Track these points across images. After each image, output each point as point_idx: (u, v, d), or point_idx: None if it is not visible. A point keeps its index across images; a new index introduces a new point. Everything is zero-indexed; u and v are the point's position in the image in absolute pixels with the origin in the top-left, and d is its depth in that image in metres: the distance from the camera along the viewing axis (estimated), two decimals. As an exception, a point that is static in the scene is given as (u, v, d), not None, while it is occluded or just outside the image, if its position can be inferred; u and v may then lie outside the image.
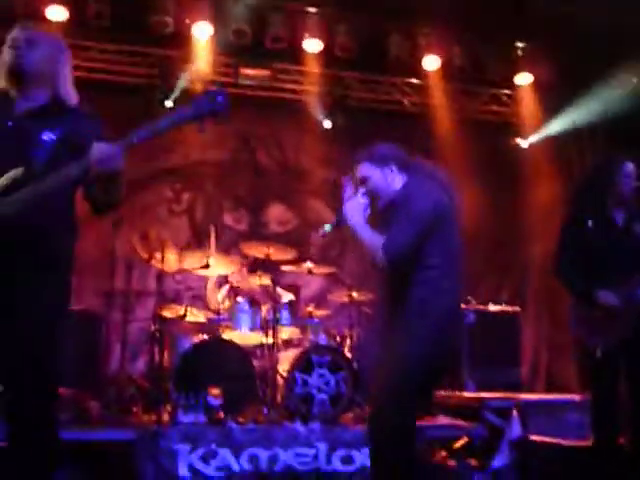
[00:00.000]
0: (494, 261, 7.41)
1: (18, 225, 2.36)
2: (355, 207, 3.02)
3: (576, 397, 5.74)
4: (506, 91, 7.31)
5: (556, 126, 6.99)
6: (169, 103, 6.38)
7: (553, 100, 6.95)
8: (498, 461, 4.92)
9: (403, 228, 2.91)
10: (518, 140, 7.49)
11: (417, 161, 3.16)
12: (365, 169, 3.10)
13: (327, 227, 3.12)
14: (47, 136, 2.49)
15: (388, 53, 6.66)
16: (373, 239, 2.94)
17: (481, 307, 6.38)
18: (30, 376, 2.42)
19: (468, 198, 6.91)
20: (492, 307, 6.41)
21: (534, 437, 4.98)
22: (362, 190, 3.08)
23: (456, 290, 3.02)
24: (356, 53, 6.58)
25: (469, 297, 6.45)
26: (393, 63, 6.73)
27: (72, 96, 2.68)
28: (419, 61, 6.84)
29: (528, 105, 7.15)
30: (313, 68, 6.73)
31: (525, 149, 7.50)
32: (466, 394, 5.85)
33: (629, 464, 4.00)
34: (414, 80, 7.16)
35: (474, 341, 6.18)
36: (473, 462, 5.12)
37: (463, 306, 6.29)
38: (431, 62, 6.84)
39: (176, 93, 6.26)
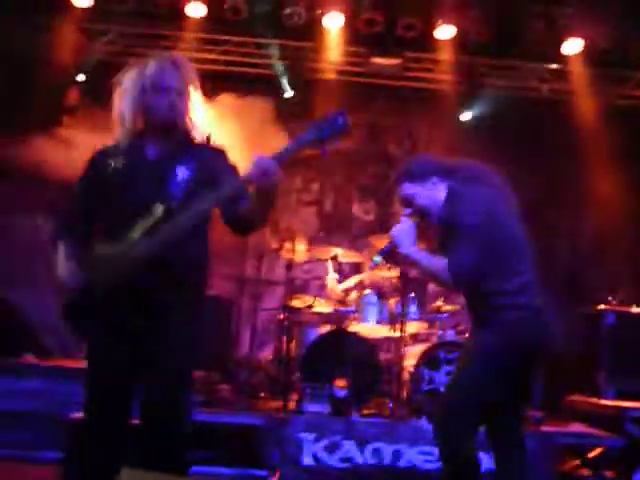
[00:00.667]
0: (635, 260, 6.93)
1: (161, 262, 2.45)
2: (404, 232, 2.89)
3: None
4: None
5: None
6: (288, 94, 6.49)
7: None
8: (639, 476, 4.61)
9: (461, 244, 2.76)
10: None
11: (459, 165, 3.01)
12: (407, 189, 2.98)
13: (377, 259, 2.98)
14: (182, 172, 2.55)
15: (525, 37, 6.35)
16: (432, 262, 2.84)
17: (622, 308, 5.97)
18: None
19: (611, 191, 6.59)
20: (635, 309, 5.98)
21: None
22: (408, 211, 2.97)
23: (521, 292, 2.81)
24: (491, 38, 6.33)
25: (609, 297, 6.07)
26: (530, 47, 6.41)
27: (199, 130, 2.70)
28: (558, 45, 6.47)
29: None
30: (446, 56, 6.55)
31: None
32: (604, 401, 5.50)
33: None
34: (554, 65, 6.79)
35: (614, 344, 5.80)
36: (609, 474, 4.83)
37: (602, 307, 5.94)
38: (572, 45, 6.45)
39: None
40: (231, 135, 4.74)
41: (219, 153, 2.71)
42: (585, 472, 4.91)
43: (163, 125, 2.62)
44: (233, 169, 2.66)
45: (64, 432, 3.96)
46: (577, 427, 5.10)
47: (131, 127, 2.62)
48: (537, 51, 6.52)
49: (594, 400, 5.56)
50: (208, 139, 2.71)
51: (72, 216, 2.76)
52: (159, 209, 2.48)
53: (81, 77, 6.46)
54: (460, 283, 2.82)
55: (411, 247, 2.87)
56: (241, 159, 2.62)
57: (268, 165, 2.35)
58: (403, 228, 2.90)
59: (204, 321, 2.74)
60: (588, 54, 6.47)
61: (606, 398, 5.59)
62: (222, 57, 6.50)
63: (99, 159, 2.70)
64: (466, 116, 6.89)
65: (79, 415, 3.87)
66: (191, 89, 2.66)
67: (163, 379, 2.54)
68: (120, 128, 2.64)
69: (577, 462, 5.01)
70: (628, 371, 5.71)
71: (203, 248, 2.70)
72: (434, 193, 2.94)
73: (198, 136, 2.70)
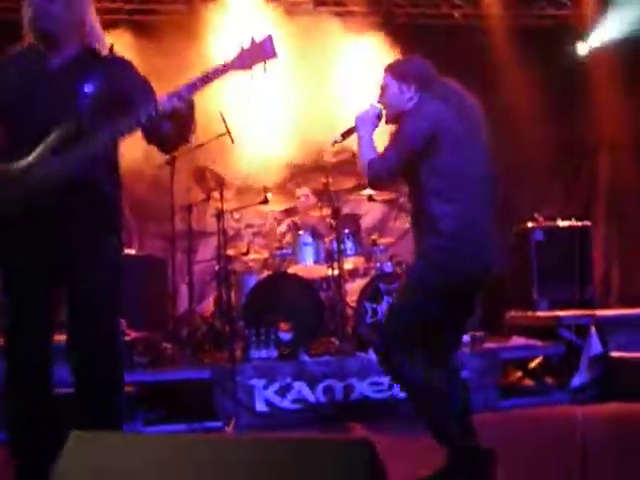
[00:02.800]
0: (559, 173, 7.11)
1: (74, 183, 2.40)
2: (366, 117, 2.94)
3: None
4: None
5: (621, 26, 6.51)
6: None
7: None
8: (578, 379, 4.82)
9: (392, 147, 2.84)
10: (579, 45, 7.05)
11: (441, 82, 2.97)
12: (386, 79, 3.00)
13: (337, 138, 3.09)
14: (87, 88, 2.46)
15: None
16: (367, 153, 2.89)
17: (549, 223, 6.15)
18: (94, 324, 2.49)
19: (528, 108, 6.69)
20: (561, 223, 6.16)
21: (614, 353, 4.84)
22: (378, 98, 3.02)
23: (467, 213, 2.83)
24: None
25: (535, 214, 6.23)
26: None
27: (102, 43, 2.62)
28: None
29: (589, 5, 6.69)
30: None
31: (587, 54, 7.06)
32: (539, 313, 5.71)
33: None
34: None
35: (543, 259, 5.99)
36: (550, 381, 5.04)
37: (530, 224, 6.10)
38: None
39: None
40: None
41: (126, 65, 2.64)
42: (528, 382, 5.11)
43: (43, 35, 2.52)
44: (142, 80, 2.63)
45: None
46: (517, 341, 5.28)
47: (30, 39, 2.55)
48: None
49: (530, 313, 5.76)
50: (111, 50, 2.61)
51: None
52: (67, 126, 2.41)
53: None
54: (372, 180, 2.92)
55: (366, 133, 2.92)
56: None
57: (183, 91, 2.41)
58: (367, 113, 2.95)
59: (121, 245, 2.67)
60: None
61: (541, 310, 5.80)
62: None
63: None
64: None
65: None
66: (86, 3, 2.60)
67: (86, 302, 2.49)
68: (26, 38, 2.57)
69: (520, 373, 5.22)
70: (558, 281, 5.92)
71: (116, 168, 2.65)
72: (403, 96, 2.93)
73: (101, 47, 2.61)
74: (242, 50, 2.44)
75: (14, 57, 2.61)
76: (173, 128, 2.53)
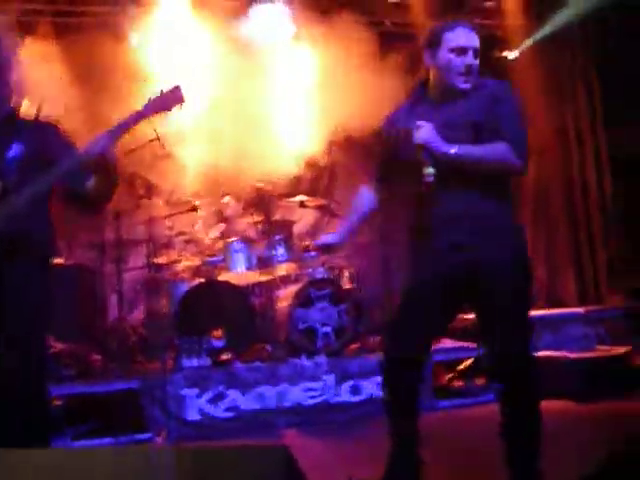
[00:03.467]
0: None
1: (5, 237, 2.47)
2: (429, 132, 2.57)
3: (579, 310, 5.75)
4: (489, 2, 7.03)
5: (545, 31, 6.72)
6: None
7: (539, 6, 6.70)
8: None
9: (517, 120, 2.59)
10: (505, 53, 7.25)
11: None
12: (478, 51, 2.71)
13: (430, 170, 2.55)
14: (12, 152, 2.53)
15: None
16: (487, 150, 2.55)
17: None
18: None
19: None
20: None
21: (540, 352, 4.98)
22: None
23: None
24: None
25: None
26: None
27: (29, 98, 2.72)
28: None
29: (514, 14, 6.89)
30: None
31: (513, 60, 7.24)
32: (467, 316, 5.82)
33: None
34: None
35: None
36: (479, 382, 5.14)
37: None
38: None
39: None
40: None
41: (50, 128, 2.69)
42: (458, 383, 5.20)
43: None
44: (67, 144, 2.67)
45: None
46: (446, 343, 5.36)
47: None
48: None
49: (459, 315, 5.85)
50: (38, 114, 2.64)
51: None
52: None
53: None
54: (524, 164, 2.59)
55: (445, 143, 2.56)
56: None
57: (102, 141, 2.45)
58: (426, 129, 2.58)
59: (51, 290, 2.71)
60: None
61: (469, 312, 5.90)
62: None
63: None
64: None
65: None
66: (12, 62, 2.62)
67: (17, 346, 2.52)
68: None
69: (450, 375, 5.30)
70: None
71: (44, 222, 2.68)
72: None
73: (29, 109, 2.66)
74: (152, 99, 2.56)
75: None
76: (96, 182, 2.57)
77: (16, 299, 2.55)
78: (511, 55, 7.25)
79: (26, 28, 5.57)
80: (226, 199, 5.83)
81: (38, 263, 2.64)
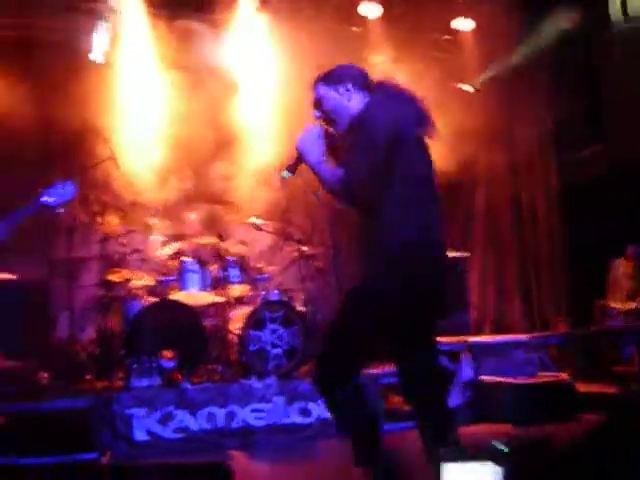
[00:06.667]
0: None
1: None
2: (309, 140, 2.71)
3: (523, 337, 5.91)
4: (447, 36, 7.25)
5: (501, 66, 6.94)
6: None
7: (495, 41, 6.92)
8: (451, 402, 5.04)
9: (361, 147, 2.59)
10: (463, 86, 7.44)
11: (385, 81, 2.82)
12: (319, 90, 2.80)
13: (284, 174, 2.75)
14: None
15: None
16: (330, 176, 2.66)
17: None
18: None
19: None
20: (451, 253, 6.46)
21: (485, 377, 5.11)
22: (316, 114, 2.81)
23: (419, 219, 2.65)
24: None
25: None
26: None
27: None
28: (355, 8, 6.70)
29: (470, 49, 7.11)
30: None
31: (472, 93, 7.43)
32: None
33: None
34: (354, 28, 7.03)
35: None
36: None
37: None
38: (371, 10, 6.71)
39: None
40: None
41: None
42: (407, 407, 5.27)
43: None
44: None
45: None
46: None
47: None
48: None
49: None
50: None
51: None
52: None
53: None
54: (351, 188, 2.62)
55: (315, 157, 2.68)
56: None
57: None
58: (308, 136, 2.72)
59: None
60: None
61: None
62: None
63: None
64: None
65: None
66: None
67: None
68: None
69: (399, 398, 5.38)
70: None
71: None
72: (344, 99, 2.76)
73: None
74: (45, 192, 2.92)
75: None
76: None
77: None
78: (468, 87, 7.45)
79: None
80: (188, 217, 5.83)
81: None
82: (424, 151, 2.78)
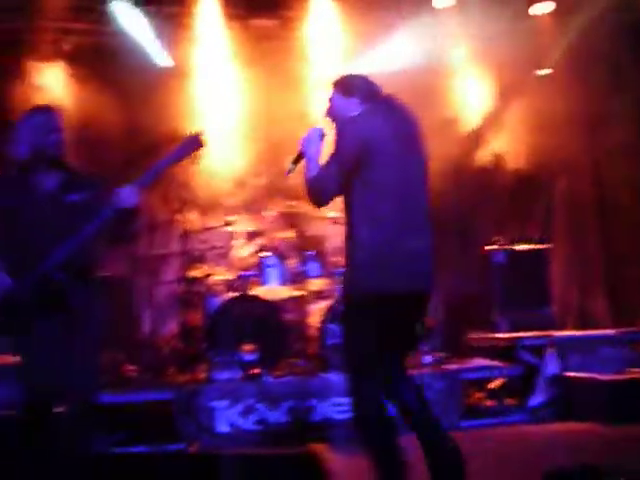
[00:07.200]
0: (518, 195, 7.26)
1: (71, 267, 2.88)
2: (310, 139, 2.96)
3: (610, 332, 5.70)
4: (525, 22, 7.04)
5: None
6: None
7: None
8: (535, 399, 4.92)
9: (328, 163, 2.83)
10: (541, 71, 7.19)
11: (384, 97, 2.99)
12: (331, 93, 3.05)
13: (290, 167, 3.02)
14: (75, 199, 2.99)
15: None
16: (311, 172, 2.89)
17: (509, 246, 6.29)
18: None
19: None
20: (520, 246, 6.31)
21: (570, 373, 4.95)
22: (325, 114, 3.06)
23: (393, 228, 2.78)
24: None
25: (497, 237, 6.36)
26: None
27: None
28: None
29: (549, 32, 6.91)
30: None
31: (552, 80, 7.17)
32: (499, 335, 5.81)
33: None
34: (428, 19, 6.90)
35: (504, 281, 6.12)
36: (510, 401, 5.12)
37: (492, 247, 6.23)
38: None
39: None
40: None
41: (97, 182, 3.12)
42: (489, 402, 5.18)
43: (52, 160, 3.01)
44: (107, 197, 2.99)
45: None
46: (477, 362, 5.35)
47: (22, 163, 3.02)
48: None
49: (491, 335, 5.85)
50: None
51: None
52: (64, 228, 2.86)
53: None
54: (310, 196, 2.90)
55: (312, 154, 2.92)
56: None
57: (128, 194, 2.83)
58: (311, 135, 2.96)
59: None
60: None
61: (501, 331, 5.90)
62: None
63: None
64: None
65: None
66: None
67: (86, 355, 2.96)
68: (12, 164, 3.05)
69: (481, 394, 5.29)
70: (519, 303, 6.04)
71: (96, 256, 3.13)
72: (348, 109, 2.94)
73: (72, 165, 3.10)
74: (179, 145, 2.89)
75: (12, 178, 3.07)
76: (127, 226, 2.97)
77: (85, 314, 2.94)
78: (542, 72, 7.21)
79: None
80: (266, 212, 5.91)
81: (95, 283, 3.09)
82: (410, 165, 2.87)
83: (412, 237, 2.83)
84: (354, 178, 2.79)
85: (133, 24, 6.05)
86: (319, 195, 2.88)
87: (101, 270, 3.18)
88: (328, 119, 3.04)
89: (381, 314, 2.78)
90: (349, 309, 2.88)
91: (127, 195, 2.85)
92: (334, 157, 2.83)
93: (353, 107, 2.93)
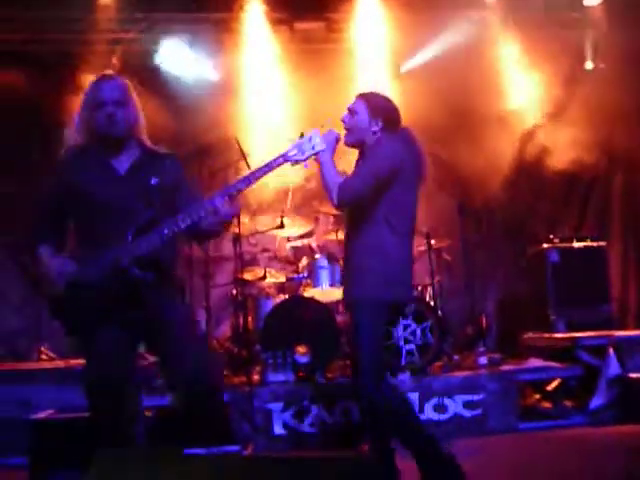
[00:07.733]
0: (573, 193, 7.10)
1: (152, 262, 2.71)
2: (327, 141, 3.03)
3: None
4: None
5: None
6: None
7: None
8: (596, 401, 4.79)
9: (363, 175, 3.08)
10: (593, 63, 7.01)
11: (404, 128, 3.26)
12: (357, 105, 3.21)
13: (304, 164, 3.10)
14: (154, 182, 2.78)
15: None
16: (333, 177, 3.05)
17: (564, 244, 6.16)
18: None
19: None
20: (576, 244, 6.17)
21: (633, 374, 4.81)
22: (344, 118, 3.21)
23: (403, 246, 3.17)
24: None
25: (551, 235, 6.24)
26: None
27: (148, 141, 2.93)
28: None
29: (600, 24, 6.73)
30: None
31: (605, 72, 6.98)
32: (556, 335, 5.69)
33: None
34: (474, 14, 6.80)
35: (559, 280, 5.99)
36: (569, 403, 5.01)
37: (545, 245, 6.12)
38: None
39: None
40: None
41: (177, 162, 2.95)
42: (546, 404, 5.08)
43: (114, 140, 2.80)
44: (189, 180, 3.00)
45: (26, 435, 3.84)
46: (534, 362, 5.25)
47: (86, 140, 2.83)
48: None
49: (547, 335, 5.74)
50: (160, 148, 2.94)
51: (45, 219, 2.91)
52: (143, 216, 2.73)
53: None
54: (340, 202, 3.06)
55: (327, 156, 3.06)
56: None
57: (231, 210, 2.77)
58: (327, 137, 3.07)
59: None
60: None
61: (558, 331, 5.78)
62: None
63: (67, 167, 2.86)
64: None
65: (41, 416, 3.81)
66: (133, 98, 2.85)
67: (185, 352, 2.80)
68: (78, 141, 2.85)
69: (538, 396, 5.19)
70: (575, 303, 5.91)
71: (176, 250, 3.00)
72: (370, 129, 3.17)
73: (149, 144, 2.91)
74: (295, 144, 2.83)
75: (73, 159, 2.86)
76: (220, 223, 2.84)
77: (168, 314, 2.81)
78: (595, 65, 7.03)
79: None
80: (317, 214, 5.92)
81: (175, 282, 2.97)
82: (416, 191, 3.25)
83: (412, 250, 3.33)
84: (384, 192, 3.07)
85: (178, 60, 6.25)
86: (348, 200, 3.07)
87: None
88: (346, 125, 3.20)
89: (386, 319, 3.23)
90: (363, 313, 3.13)
91: (228, 207, 2.74)
92: (372, 169, 3.07)
93: (374, 127, 3.16)
